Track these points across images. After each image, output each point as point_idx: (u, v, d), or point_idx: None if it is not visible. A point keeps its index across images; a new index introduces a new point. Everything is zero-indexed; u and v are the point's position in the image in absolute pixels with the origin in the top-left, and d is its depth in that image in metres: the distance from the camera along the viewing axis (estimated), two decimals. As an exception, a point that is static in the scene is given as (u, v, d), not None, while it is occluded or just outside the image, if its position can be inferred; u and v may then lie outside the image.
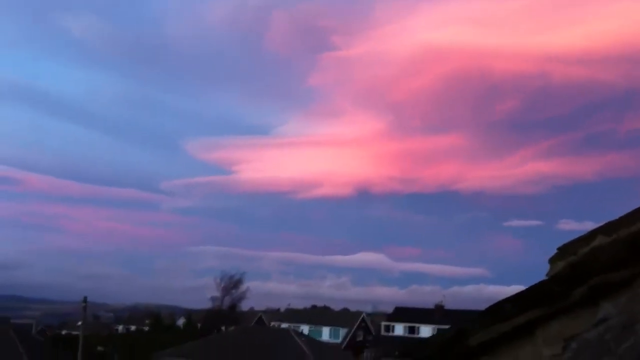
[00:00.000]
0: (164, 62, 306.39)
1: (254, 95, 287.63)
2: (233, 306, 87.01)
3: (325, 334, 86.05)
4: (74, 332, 79.67)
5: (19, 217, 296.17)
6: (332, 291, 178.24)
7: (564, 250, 4.42)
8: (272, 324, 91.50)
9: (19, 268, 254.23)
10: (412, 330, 79.15)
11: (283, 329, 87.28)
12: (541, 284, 4.55)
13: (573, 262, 4.33)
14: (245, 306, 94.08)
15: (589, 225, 4.56)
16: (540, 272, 4.59)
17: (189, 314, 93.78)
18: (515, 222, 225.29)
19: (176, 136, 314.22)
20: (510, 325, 4.64)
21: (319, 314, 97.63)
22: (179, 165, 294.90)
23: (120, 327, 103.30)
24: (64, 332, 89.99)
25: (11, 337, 50.99)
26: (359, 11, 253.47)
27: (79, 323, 65.65)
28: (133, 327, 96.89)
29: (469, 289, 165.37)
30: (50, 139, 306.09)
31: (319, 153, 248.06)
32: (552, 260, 4.48)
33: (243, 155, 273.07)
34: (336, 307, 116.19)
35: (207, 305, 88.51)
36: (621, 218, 4.20)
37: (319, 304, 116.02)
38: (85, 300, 40.17)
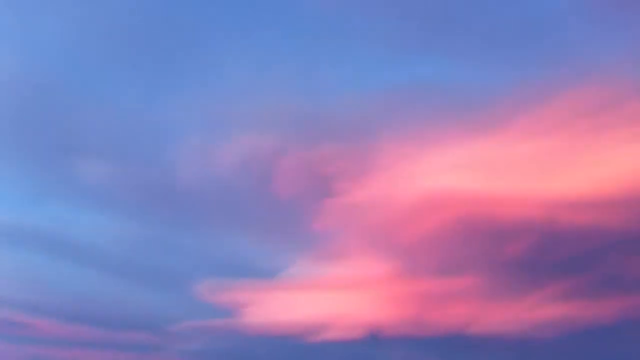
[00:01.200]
0: (176, 204, 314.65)
1: (262, 238, 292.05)
2: None
3: None
4: None
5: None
6: None
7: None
8: None
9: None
10: None
11: None
12: None
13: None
14: None
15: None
16: None
17: None
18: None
19: (186, 278, 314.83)
20: None
21: None
22: (188, 308, 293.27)
23: None
24: None
25: None
26: (363, 156, 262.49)
27: None
28: None
29: None
30: (60, 282, 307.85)
31: (327, 296, 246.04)
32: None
33: (250, 298, 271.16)
34: None
35: None
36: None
37: None
38: None
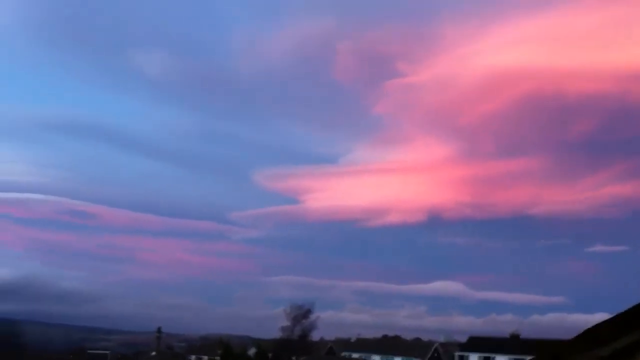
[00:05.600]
0: (233, 95, 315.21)
1: (322, 125, 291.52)
2: (303, 336, 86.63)
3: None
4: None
5: (94, 251, 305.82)
6: (403, 320, 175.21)
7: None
8: (343, 354, 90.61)
9: (94, 300, 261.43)
10: (486, 360, 77.04)
11: (354, 359, 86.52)
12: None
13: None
14: (315, 336, 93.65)
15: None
16: (628, 298, 4.28)
17: (259, 343, 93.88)
18: (598, 248, 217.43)
19: (246, 167, 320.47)
20: (610, 349, 4.33)
21: (390, 344, 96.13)
22: (249, 196, 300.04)
23: (193, 357, 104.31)
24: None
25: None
26: (424, 36, 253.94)
27: (153, 353, 66.70)
28: (205, 357, 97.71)
29: (549, 317, 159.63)
30: (124, 173, 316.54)
31: (388, 180, 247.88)
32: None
33: (311, 185, 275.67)
34: (408, 336, 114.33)
35: (277, 335, 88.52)
36: None
37: (390, 333, 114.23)
38: (159, 331, 40.59)
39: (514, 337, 77.04)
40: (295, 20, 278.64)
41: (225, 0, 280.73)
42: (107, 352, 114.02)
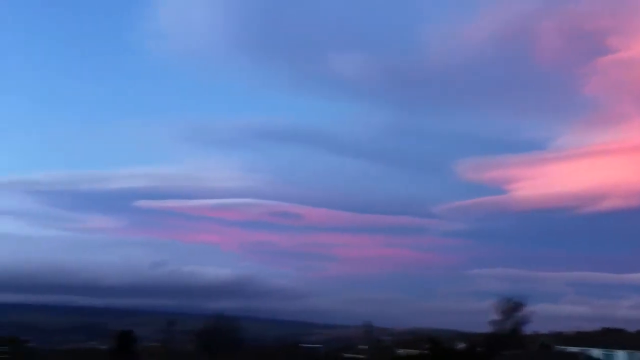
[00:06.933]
0: (428, 89, 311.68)
1: (526, 110, 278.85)
2: (514, 330, 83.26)
3: (621, 359, 78.25)
4: (358, 356, 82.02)
5: (301, 249, 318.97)
6: (627, 312, 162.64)
7: None
8: (558, 348, 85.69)
9: (303, 296, 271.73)
10: None
11: (571, 353, 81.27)
12: None
13: None
14: (527, 329, 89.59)
15: None
16: None
17: (469, 338, 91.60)
18: None
19: (445, 159, 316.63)
20: None
21: (612, 337, 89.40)
22: (449, 188, 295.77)
23: (401, 351, 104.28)
24: (347, 355, 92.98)
25: (301, 358, 53.61)
26: (636, 7, 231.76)
27: (363, 346, 67.31)
28: (414, 351, 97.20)
29: None
30: (324, 173, 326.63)
31: (602, 163, 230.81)
32: None
33: (518, 173, 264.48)
34: (632, 329, 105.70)
35: (487, 329, 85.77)
36: None
37: (612, 326, 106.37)
38: (368, 324, 40.53)
39: None
40: (492, 6, 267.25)
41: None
42: (320, 345, 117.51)
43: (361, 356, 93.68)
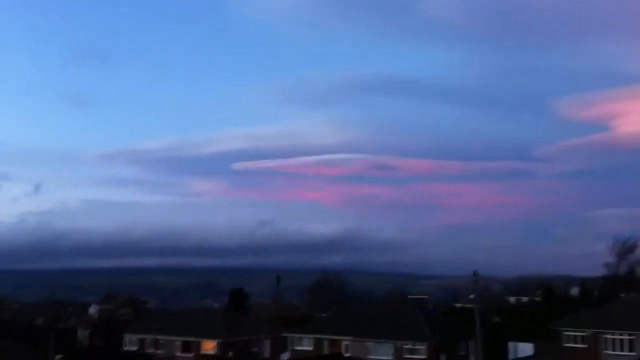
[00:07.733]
0: (524, 25, 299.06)
1: (630, 39, 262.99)
2: (630, 272, 79.89)
3: None
4: (467, 305, 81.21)
5: (402, 201, 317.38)
6: None
7: None
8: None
9: (409, 247, 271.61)
10: None
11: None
12: None
13: None
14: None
15: None
16: None
17: (583, 282, 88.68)
18: None
19: (546, 97, 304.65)
20: None
21: None
22: (554, 128, 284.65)
23: (512, 299, 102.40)
24: (458, 305, 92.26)
25: (411, 310, 53.66)
26: None
27: (471, 296, 66.29)
28: (525, 298, 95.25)
29: None
30: (422, 123, 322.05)
31: None
32: None
33: (625, 108, 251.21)
34: None
35: (601, 272, 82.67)
36: None
37: None
38: (476, 273, 39.75)
39: None
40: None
41: None
42: (426, 296, 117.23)
43: (470, 306, 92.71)
